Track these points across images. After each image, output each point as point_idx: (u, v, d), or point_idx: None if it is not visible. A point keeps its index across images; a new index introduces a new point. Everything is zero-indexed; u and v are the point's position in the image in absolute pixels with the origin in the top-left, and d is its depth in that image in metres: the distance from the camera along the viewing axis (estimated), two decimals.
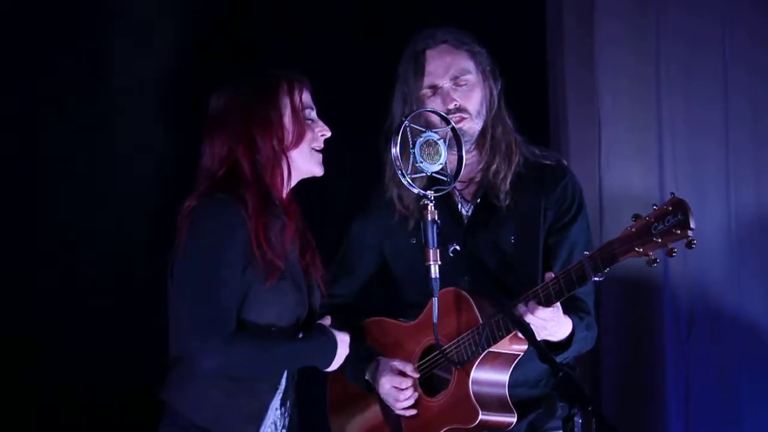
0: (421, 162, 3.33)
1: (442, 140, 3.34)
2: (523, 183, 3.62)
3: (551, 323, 3.38)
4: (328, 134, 3.43)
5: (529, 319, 3.33)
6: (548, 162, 3.67)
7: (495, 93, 3.65)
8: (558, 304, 3.35)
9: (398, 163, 3.31)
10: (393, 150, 3.31)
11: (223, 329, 3.21)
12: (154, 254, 3.39)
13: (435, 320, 3.36)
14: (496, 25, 4.57)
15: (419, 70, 3.60)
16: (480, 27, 3.78)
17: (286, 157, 3.36)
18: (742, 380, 4.55)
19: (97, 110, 4.42)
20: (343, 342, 3.40)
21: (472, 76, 3.61)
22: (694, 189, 4.58)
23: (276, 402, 3.33)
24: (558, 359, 3.41)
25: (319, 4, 4.66)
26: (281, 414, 3.36)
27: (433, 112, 3.47)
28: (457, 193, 3.63)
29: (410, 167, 3.31)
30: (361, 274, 3.78)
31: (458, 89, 3.60)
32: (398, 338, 3.61)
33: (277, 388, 3.33)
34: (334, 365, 3.39)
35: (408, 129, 3.32)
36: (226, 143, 3.34)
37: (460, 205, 3.64)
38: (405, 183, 3.33)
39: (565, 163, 3.71)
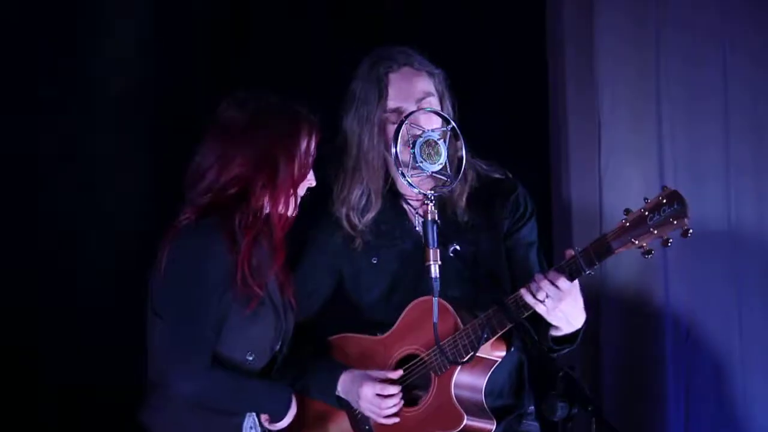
0: (422, 162, 3.33)
1: (442, 140, 3.35)
2: (479, 198, 3.63)
3: (566, 301, 3.32)
4: (314, 185, 3.42)
5: (543, 292, 3.30)
6: (499, 176, 3.68)
7: (450, 113, 3.62)
8: (576, 282, 3.31)
9: (398, 163, 3.31)
10: (393, 149, 3.32)
11: (204, 355, 3.23)
12: (153, 255, 3.39)
13: (435, 320, 3.32)
14: (496, 18, 4.58)
15: (382, 93, 3.55)
16: (480, 22, 3.77)
17: (295, 191, 3.35)
18: (741, 380, 4.55)
19: (97, 110, 4.43)
20: (294, 401, 3.41)
21: (434, 99, 3.60)
22: (694, 179, 4.56)
23: (248, 422, 3.35)
24: (563, 352, 3.46)
25: (321, 10, 4.67)
26: None
27: (434, 112, 3.47)
28: (413, 212, 3.62)
29: (410, 167, 3.32)
30: (321, 294, 3.69)
31: None
32: (369, 351, 3.57)
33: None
34: (284, 423, 3.39)
35: (407, 129, 3.33)
36: (247, 163, 3.29)
37: (417, 224, 3.62)
38: (405, 183, 3.33)
39: (511, 176, 3.70)
